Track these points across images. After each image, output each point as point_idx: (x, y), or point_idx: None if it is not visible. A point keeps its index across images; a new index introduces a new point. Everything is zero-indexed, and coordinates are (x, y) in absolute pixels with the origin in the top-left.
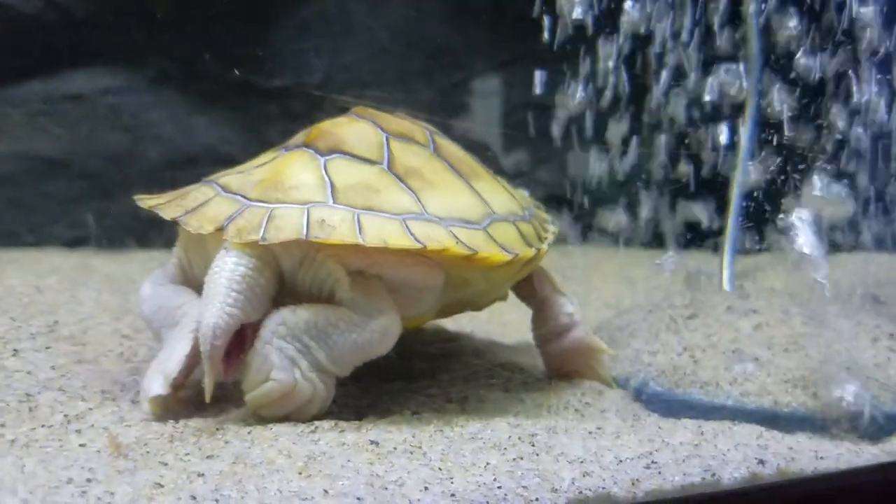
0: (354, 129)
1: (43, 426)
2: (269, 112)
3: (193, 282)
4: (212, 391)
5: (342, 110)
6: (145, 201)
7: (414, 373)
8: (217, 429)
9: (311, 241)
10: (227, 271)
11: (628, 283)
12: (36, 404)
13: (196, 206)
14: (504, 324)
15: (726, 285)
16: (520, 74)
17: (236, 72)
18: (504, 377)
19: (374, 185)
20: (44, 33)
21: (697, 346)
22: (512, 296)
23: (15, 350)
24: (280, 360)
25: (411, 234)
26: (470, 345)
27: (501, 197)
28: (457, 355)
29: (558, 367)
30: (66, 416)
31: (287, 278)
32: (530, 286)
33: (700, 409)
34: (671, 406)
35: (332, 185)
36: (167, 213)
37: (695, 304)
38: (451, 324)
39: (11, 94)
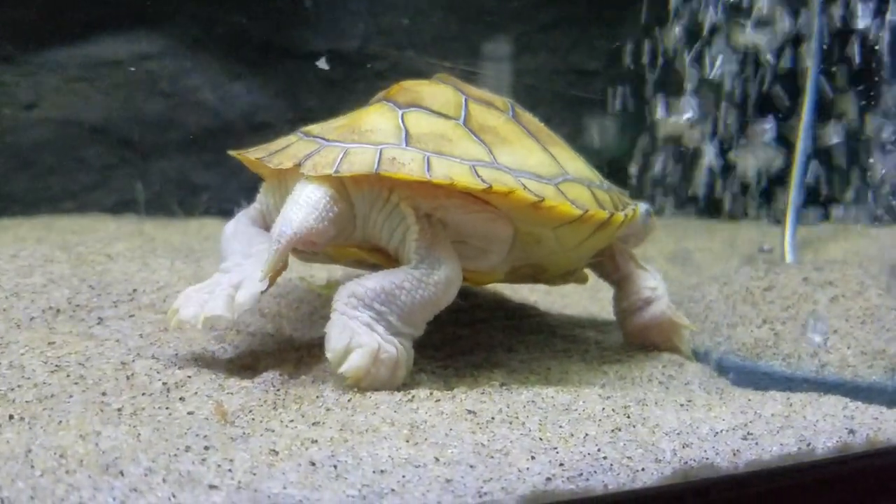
0: (434, 89)
1: (143, 394)
2: (307, 78)
3: (269, 225)
4: (266, 277)
5: (380, 75)
6: (234, 153)
7: (493, 344)
8: (317, 396)
9: (382, 176)
10: (307, 193)
11: (686, 254)
12: (132, 372)
13: (279, 148)
14: (563, 295)
15: (788, 257)
16: (559, 38)
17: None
18: (580, 349)
19: (448, 136)
20: None
21: (777, 319)
22: None
23: (100, 318)
24: (358, 327)
25: (478, 176)
26: (539, 317)
27: (578, 165)
28: (530, 327)
29: (639, 340)
30: (164, 384)
31: (360, 223)
32: (612, 262)
33: (782, 381)
34: (753, 378)
35: (407, 132)
36: (253, 155)
37: (770, 276)
38: (514, 295)
39: (49, 59)
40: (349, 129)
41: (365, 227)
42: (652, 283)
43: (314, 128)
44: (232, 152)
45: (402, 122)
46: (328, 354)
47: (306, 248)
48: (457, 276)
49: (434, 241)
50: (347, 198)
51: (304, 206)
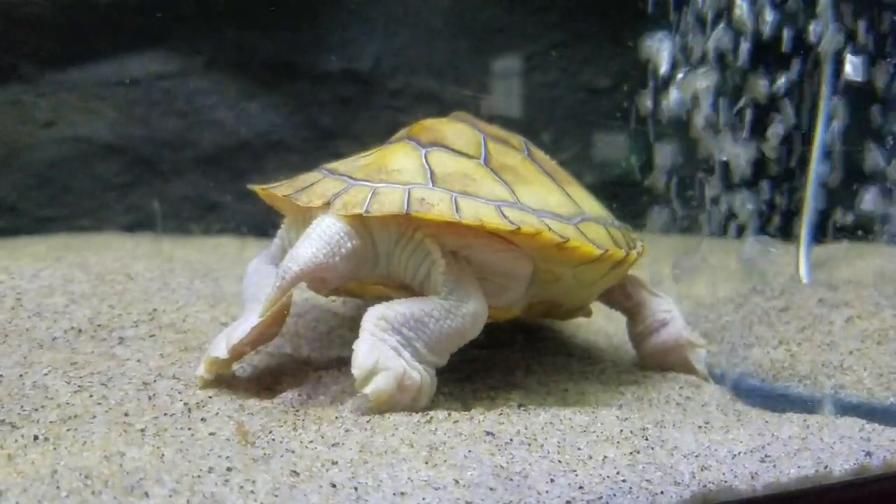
0: (454, 127)
1: (166, 414)
2: (321, 97)
3: None
4: (266, 312)
5: (393, 94)
6: (255, 188)
7: (511, 365)
8: (336, 417)
9: (410, 217)
10: (322, 226)
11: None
12: (154, 392)
13: (306, 186)
14: None
15: (804, 277)
16: (570, 57)
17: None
18: (597, 369)
19: (471, 175)
20: (98, 18)
21: (793, 340)
22: None
23: (121, 338)
24: (386, 350)
25: (505, 217)
26: (555, 338)
27: (592, 203)
28: (547, 348)
29: (656, 363)
30: (185, 404)
31: (382, 260)
32: (623, 292)
33: (799, 402)
34: (770, 400)
35: (432, 172)
36: (280, 192)
37: (786, 297)
38: None
39: (66, 78)
40: (375, 168)
41: (389, 264)
42: (665, 306)
43: (339, 165)
44: (254, 187)
45: (426, 161)
46: (354, 371)
47: (315, 284)
48: (484, 310)
49: (461, 275)
50: (367, 235)
51: (316, 240)
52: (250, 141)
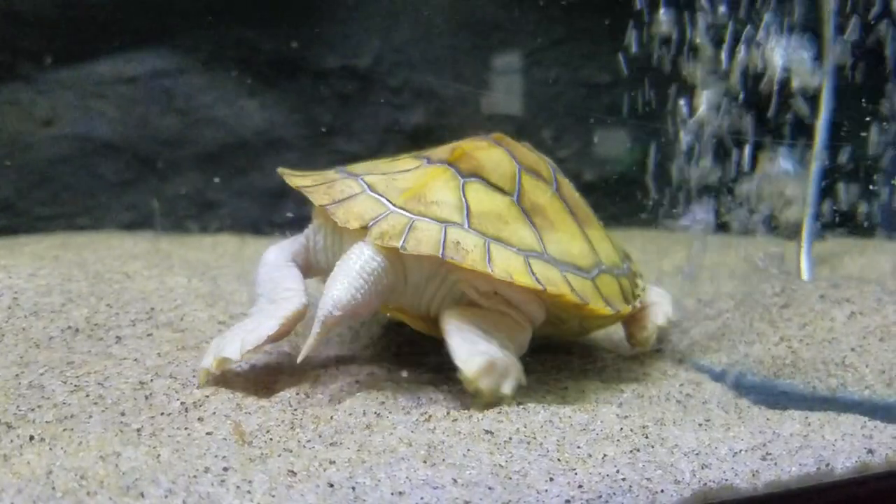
0: (492, 156)
1: (162, 414)
2: (321, 94)
3: (313, 263)
4: (305, 356)
5: (393, 91)
6: (292, 179)
7: None
8: (331, 417)
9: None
10: (362, 261)
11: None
12: (151, 392)
13: (343, 198)
14: None
15: (805, 273)
16: (571, 52)
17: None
18: (596, 367)
19: (504, 216)
20: (97, 16)
21: (794, 336)
22: None
23: (118, 337)
24: (473, 340)
25: (533, 273)
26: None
27: (607, 247)
28: (546, 345)
29: (639, 336)
30: (182, 403)
31: (410, 290)
32: None
33: (800, 399)
34: (771, 397)
35: (468, 209)
36: (316, 200)
37: (787, 293)
38: None
39: (65, 76)
40: (415, 196)
41: (415, 294)
42: (657, 290)
43: (377, 181)
44: (284, 172)
45: (464, 194)
46: (459, 369)
47: (351, 320)
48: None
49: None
50: (401, 266)
51: (356, 279)
52: (249, 139)
